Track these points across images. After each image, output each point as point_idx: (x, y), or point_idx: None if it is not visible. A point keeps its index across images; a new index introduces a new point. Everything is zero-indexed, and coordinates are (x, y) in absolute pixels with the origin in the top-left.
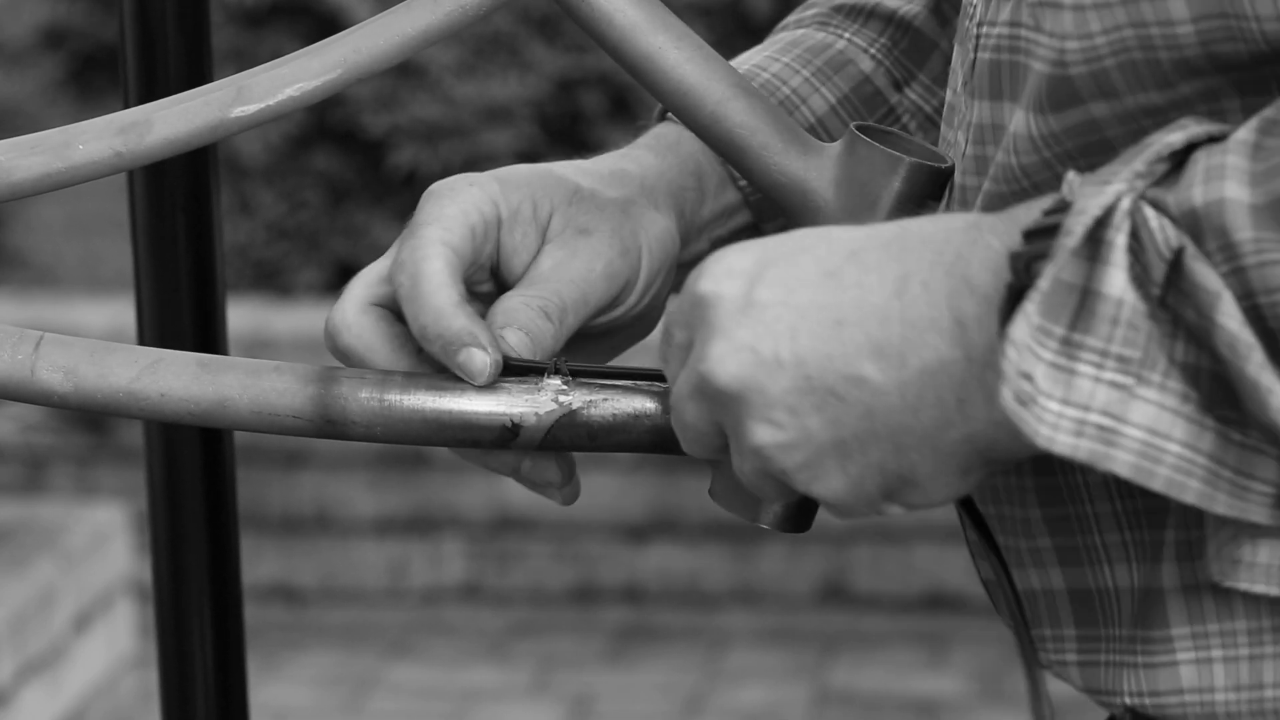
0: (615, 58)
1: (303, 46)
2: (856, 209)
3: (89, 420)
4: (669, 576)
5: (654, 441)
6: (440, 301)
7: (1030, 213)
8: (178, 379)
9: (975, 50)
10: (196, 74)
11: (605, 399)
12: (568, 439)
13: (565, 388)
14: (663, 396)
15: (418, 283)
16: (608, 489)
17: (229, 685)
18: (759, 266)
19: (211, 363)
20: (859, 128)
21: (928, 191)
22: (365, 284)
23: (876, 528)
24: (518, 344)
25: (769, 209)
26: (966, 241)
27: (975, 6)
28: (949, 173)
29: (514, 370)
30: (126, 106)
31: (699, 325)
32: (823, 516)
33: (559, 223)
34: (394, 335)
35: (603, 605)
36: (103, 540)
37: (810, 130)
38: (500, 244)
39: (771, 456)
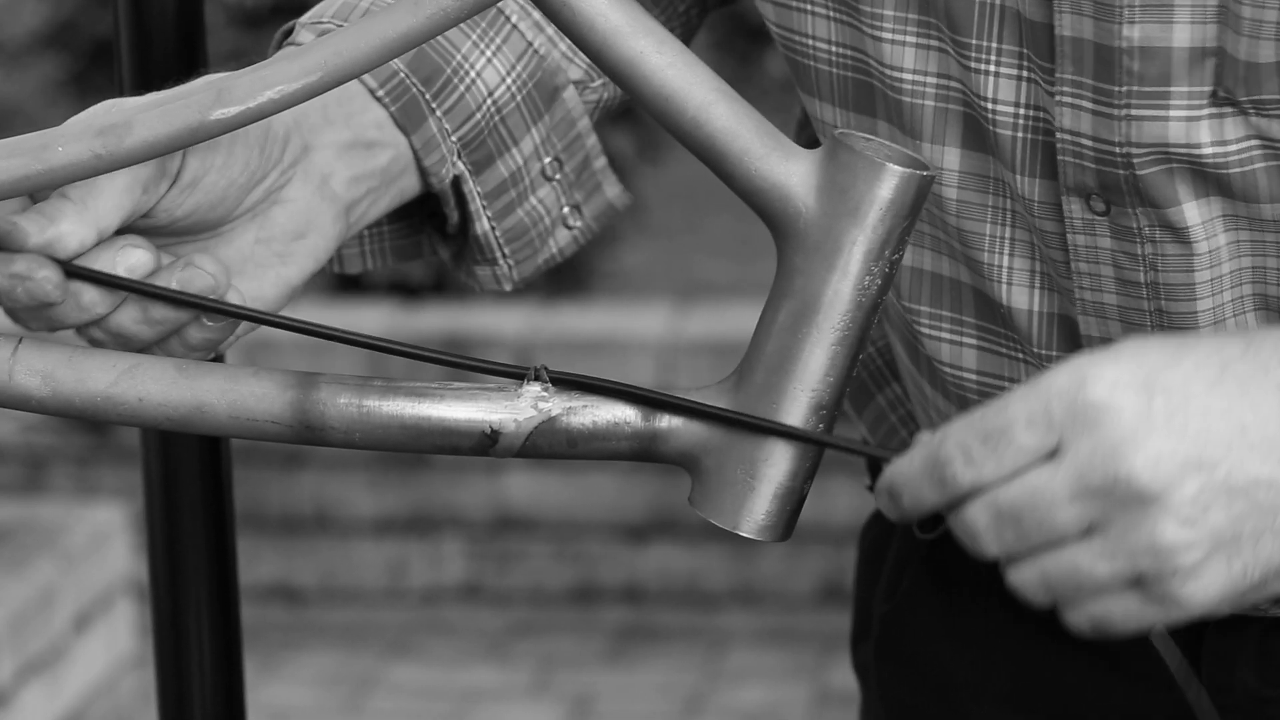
0: (597, 62)
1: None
2: (838, 215)
3: (89, 420)
4: (669, 576)
5: (634, 450)
6: None
7: None
8: (155, 384)
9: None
10: (193, 75)
11: (585, 406)
12: (547, 446)
13: (545, 394)
14: (644, 405)
15: None
16: (608, 489)
17: (227, 686)
18: (1145, 377)
19: (190, 367)
20: (841, 134)
21: (909, 199)
22: None
23: None
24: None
25: (409, 120)
26: None
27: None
28: (931, 179)
29: (494, 373)
30: None
31: (1089, 430)
32: (821, 517)
33: None
34: None
35: (603, 605)
36: (103, 540)
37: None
38: None
39: (1170, 555)
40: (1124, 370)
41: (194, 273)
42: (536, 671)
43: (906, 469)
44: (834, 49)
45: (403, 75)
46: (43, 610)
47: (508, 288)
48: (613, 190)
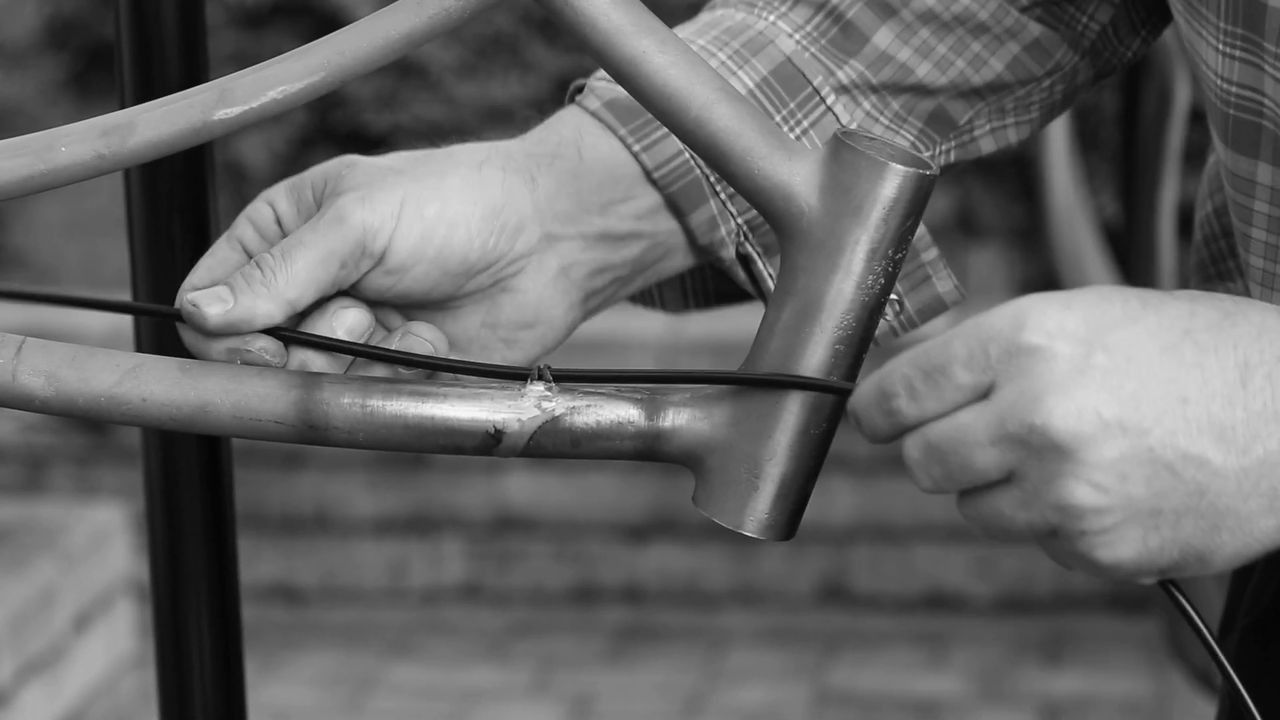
0: (599, 61)
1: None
2: (841, 214)
3: (89, 420)
4: (669, 576)
5: (637, 449)
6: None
7: None
8: (159, 384)
9: None
10: (193, 76)
11: (589, 405)
12: (551, 445)
13: (549, 394)
14: (647, 403)
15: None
16: (608, 489)
17: (228, 686)
18: (1092, 330)
19: (194, 367)
20: (843, 133)
21: (913, 198)
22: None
23: (876, 528)
24: (215, 293)
25: (688, 201)
26: None
27: None
28: (934, 179)
29: (498, 375)
30: (123, 108)
31: (1019, 375)
32: (821, 517)
33: (328, 197)
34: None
35: (603, 605)
36: (103, 540)
37: None
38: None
39: (1080, 516)
40: (1070, 319)
41: (413, 340)
42: (536, 671)
43: (860, 398)
44: (1223, 83)
45: (687, 156)
46: (43, 610)
47: None
48: (944, 285)
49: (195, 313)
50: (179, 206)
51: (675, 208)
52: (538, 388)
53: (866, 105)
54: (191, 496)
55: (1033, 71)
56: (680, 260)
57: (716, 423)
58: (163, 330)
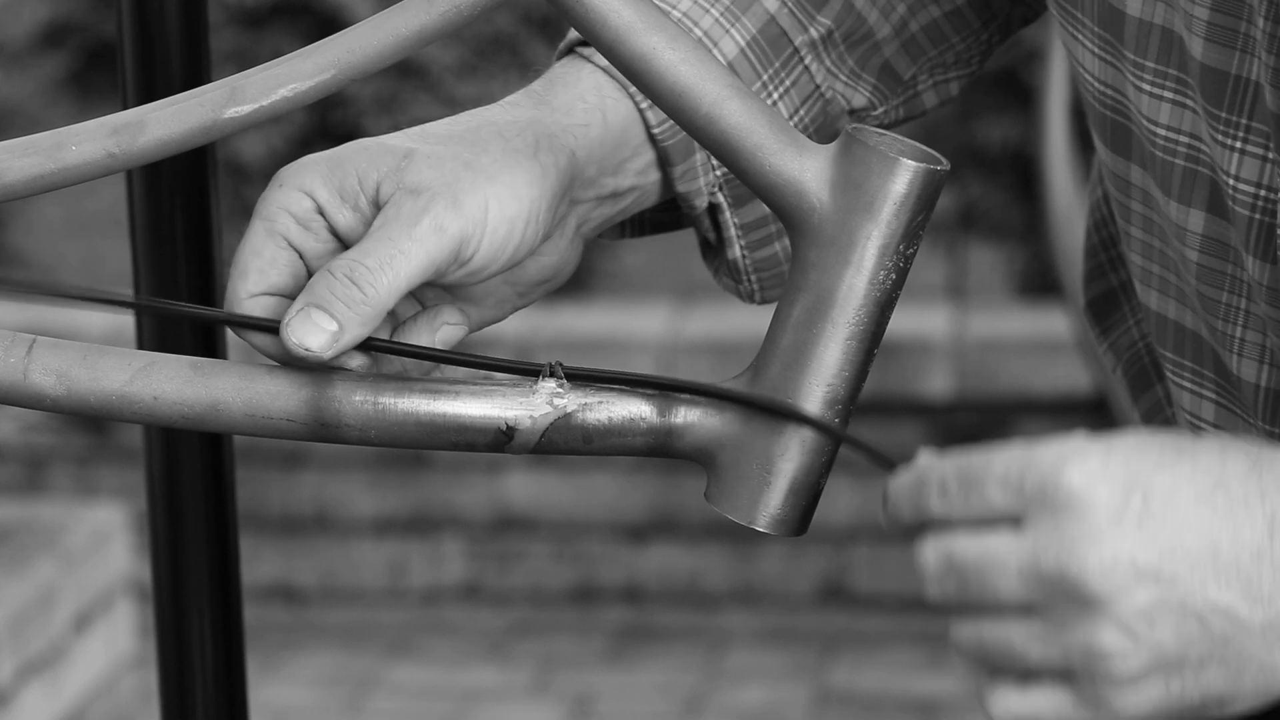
0: (610, 58)
1: (303, 47)
2: (852, 210)
3: (89, 420)
4: (669, 576)
5: (649, 445)
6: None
7: None
8: (170, 382)
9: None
10: (195, 75)
11: (601, 402)
12: (563, 442)
13: (560, 390)
14: (659, 400)
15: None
16: (608, 489)
17: (229, 686)
18: (1131, 474)
19: (205, 366)
20: (854, 129)
21: (923, 193)
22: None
23: (876, 528)
24: (316, 321)
25: (679, 154)
26: None
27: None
28: (945, 175)
29: (509, 371)
30: (125, 108)
31: (1055, 514)
32: (821, 517)
33: (388, 188)
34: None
35: (603, 605)
36: (103, 540)
37: None
38: (335, 228)
39: (1105, 659)
40: (1112, 463)
41: (448, 330)
42: (536, 671)
43: (899, 482)
44: (1099, 85)
45: None
46: (43, 610)
47: (751, 302)
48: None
49: (309, 355)
50: (181, 205)
51: (664, 160)
52: (549, 384)
53: (828, 62)
54: (193, 496)
55: (971, 24)
56: (649, 204)
57: (729, 418)
58: (165, 333)
